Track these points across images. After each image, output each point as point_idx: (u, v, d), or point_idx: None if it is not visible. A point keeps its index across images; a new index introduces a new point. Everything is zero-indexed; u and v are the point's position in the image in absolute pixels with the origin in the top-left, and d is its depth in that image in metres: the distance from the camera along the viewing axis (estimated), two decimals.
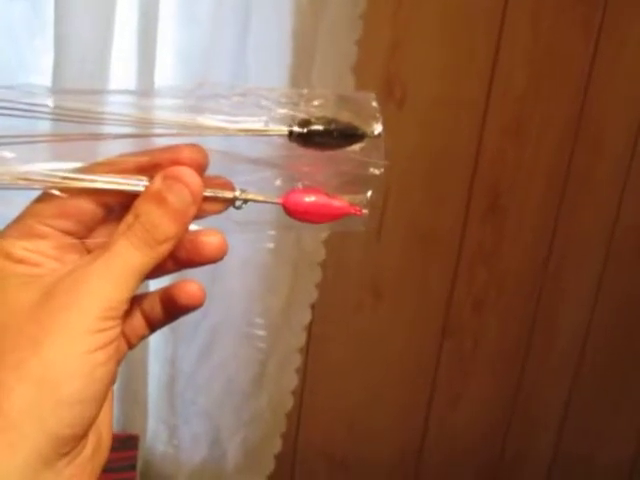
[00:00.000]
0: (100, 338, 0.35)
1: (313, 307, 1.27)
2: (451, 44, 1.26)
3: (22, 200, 0.38)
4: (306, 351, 1.34)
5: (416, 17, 1.23)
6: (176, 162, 0.38)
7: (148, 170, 0.38)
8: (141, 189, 0.38)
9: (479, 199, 1.37)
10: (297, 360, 1.30)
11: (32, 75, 0.99)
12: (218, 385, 1.24)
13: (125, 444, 1.13)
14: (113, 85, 0.99)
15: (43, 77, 0.97)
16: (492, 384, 1.56)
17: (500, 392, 1.57)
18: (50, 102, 0.38)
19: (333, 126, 0.40)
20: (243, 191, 0.41)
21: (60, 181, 0.38)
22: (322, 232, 1.15)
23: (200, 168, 0.39)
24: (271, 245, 1.14)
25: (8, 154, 0.38)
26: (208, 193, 0.39)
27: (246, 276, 1.17)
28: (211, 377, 1.23)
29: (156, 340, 1.19)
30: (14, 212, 0.38)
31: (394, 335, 1.44)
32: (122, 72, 0.99)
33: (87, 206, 0.38)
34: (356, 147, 0.41)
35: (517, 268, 1.46)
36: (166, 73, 1.02)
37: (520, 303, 1.50)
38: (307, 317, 1.27)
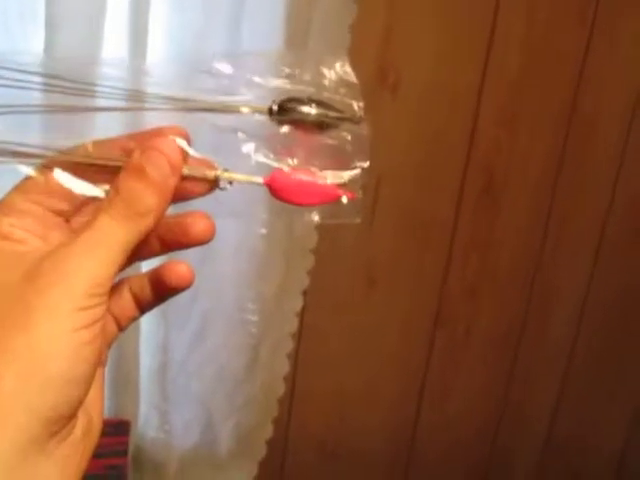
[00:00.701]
0: (86, 316, 0.34)
1: (305, 293, 1.27)
2: (445, 30, 1.26)
3: (10, 176, 0.38)
4: (298, 337, 1.34)
5: (410, 3, 1.22)
6: None
7: (131, 153, 0.38)
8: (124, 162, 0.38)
9: (473, 186, 1.37)
10: (289, 346, 1.30)
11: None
12: (210, 370, 1.24)
13: (117, 429, 1.13)
14: (103, 71, 0.98)
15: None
16: (484, 373, 1.56)
17: (493, 381, 1.57)
18: (40, 72, 0.38)
19: (314, 107, 0.40)
20: (226, 170, 0.40)
21: (47, 157, 0.38)
22: (313, 219, 1.15)
23: (182, 150, 0.39)
24: (263, 230, 1.14)
25: None
26: (189, 171, 0.39)
27: (238, 262, 1.17)
28: (203, 363, 1.23)
29: (148, 326, 1.19)
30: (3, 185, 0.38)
31: (387, 323, 1.44)
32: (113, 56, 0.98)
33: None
34: (341, 129, 0.41)
35: (510, 256, 1.46)
36: (158, 58, 1.02)
37: (513, 291, 1.50)
38: (299, 303, 1.27)
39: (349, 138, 0.41)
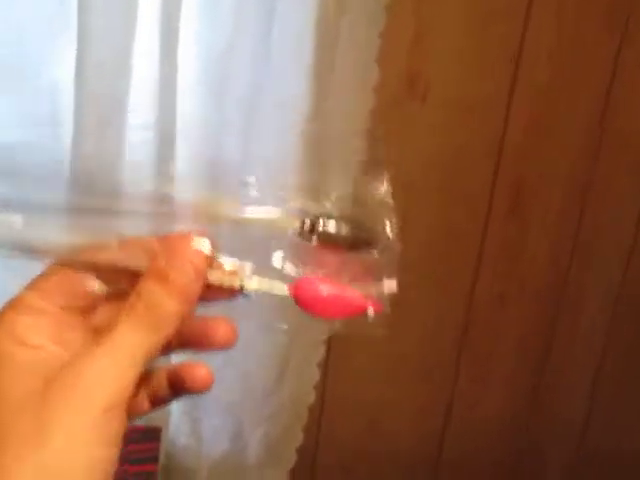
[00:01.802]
0: (102, 433, 0.34)
1: None
2: (475, 38, 1.25)
3: (27, 269, 0.37)
4: (328, 345, 1.34)
5: (440, 10, 1.22)
6: None
7: (154, 249, 0.37)
8: (146, 264, 0.37)
9: (502, 195, 1.36)
10: (319, 354, 1.30)
11: (54, 70, 0.99)
12: (240, 378, 1.24)
13: (147, 436, 1.13)
14: (135, 81, 0.99)
15: (65, 72, 0.97)
16: (514, 380, 1.55)
17: (522, 387, 1.56)
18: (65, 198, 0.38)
19: (345, 231, 0.39)
20: (251, 276, 0.39)
21: (65, 254, 0.37)
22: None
23: (207, 256, 0.38)
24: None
25: (17, 220, 0.37)
26: (213, 277, 0.38)
27: None
28: (233, 370, 1.23)
29: None
30: (19, 281, 0.37)
31: (416, 330, 1.44)
32: (144, 68, 0.99)
33: (91, 282, 0.38)
34: (371, 247, 0.40)
35: (540, 265, 1.45)
36: (189, 67, 1.02)
37: (543, 299, 1.49)
38: None
39: (378, 255, 0.40)
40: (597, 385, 1.58)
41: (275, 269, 0.39)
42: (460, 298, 1.43)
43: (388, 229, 0.40)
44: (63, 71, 0.98)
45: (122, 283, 0.38)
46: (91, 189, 0.39)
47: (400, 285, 1.24)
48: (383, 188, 0.40)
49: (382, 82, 1.16)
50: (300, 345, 1.26)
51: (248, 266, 0.39)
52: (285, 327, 1.12)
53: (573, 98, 1.32)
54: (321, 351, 1.30)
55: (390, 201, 0.40)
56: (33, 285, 0.37)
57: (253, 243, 0.40)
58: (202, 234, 0.38)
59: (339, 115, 1.13)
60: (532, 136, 1.33)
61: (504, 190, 1.35)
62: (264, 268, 0.39)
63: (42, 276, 0.37)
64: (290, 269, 0.39)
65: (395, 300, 1.34)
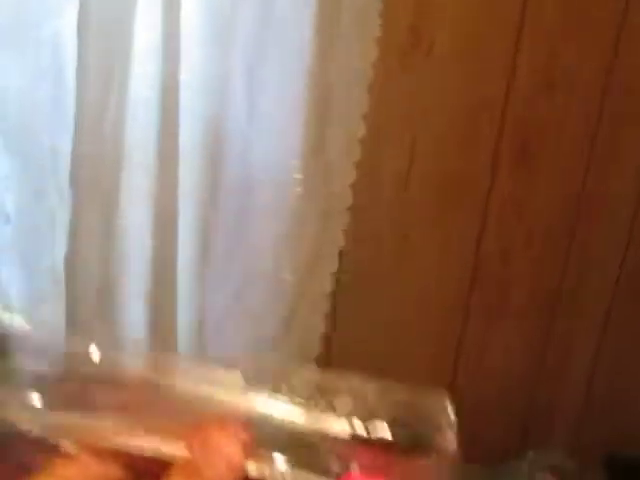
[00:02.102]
0: None
1: (341, 253, 1.26)
2: None
3: None
4: (334, 297, 1.34)
5: None
6: None
7: (187, 439, 0.34)
8: (177, 455, 0.34)
9: (509, 147, 1.35)
10: (325, 305, 1.30)
11: (56, 20, 0.98)
12: (247, 330, 1.25)
13: None
14: (138, 31, 0.98)
15: (67, 22, 0.96)
16: (521, 334, 1.55)
17: (530, 342, 1.56)
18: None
19: (397, 434, 0.36)
20: (291, 471, 0.35)
21: (86, 438, 0.35)
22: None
23: (246, 448, 0.34)
24: (299, 189, 1.13)
25: (37, 400, 0.35)
26: (253, 472, 0.34)
27: (275, 221, 1.16)
28: (240, 323, 1.24)
29: (185, 287, 1.19)
30: None
31: (422, 284, 1.43)
32: (147, 18, 0.98)
33: (115, 471, 0.35)
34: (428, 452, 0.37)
35: (547, 217, 1.44)
36: (192, 16, 1.01)
37: (550, 252, 1.48)
38: (335, 263, 1.26)
39: (433, 461, 0.37)
40: (603, 341, 1.58)
41: (319, 465, 0.35)
42: (467, 252, 1.43)
43: (448, 437, 0.37)
44: (65, 23, 0.97)
45: (148, 471, 0.34)
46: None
47: (408, 236, 1.22)
48: (444, 400, 0.39)
49: (386, 34, 1.15)
50: (306, 296, 1.26)
51: (285, 460, 0.35)
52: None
53: (580, 47, 1.30)
54: (327, 302, 1.30)
55: (451, 413, 0.38)
56: (52, 472, 0.34)
57: (298, 437, 0.36)
58: (240, 425, 0.34)
59: (342, 66, 1.12)
60: (538, 88, 1.32)
61: (512, 140, 1.34)
62: (307, 462, 0.36)
63: (62, 462, 0.34)
64: (336, 466, 0.36)
65: (401, 248, 1.32)
